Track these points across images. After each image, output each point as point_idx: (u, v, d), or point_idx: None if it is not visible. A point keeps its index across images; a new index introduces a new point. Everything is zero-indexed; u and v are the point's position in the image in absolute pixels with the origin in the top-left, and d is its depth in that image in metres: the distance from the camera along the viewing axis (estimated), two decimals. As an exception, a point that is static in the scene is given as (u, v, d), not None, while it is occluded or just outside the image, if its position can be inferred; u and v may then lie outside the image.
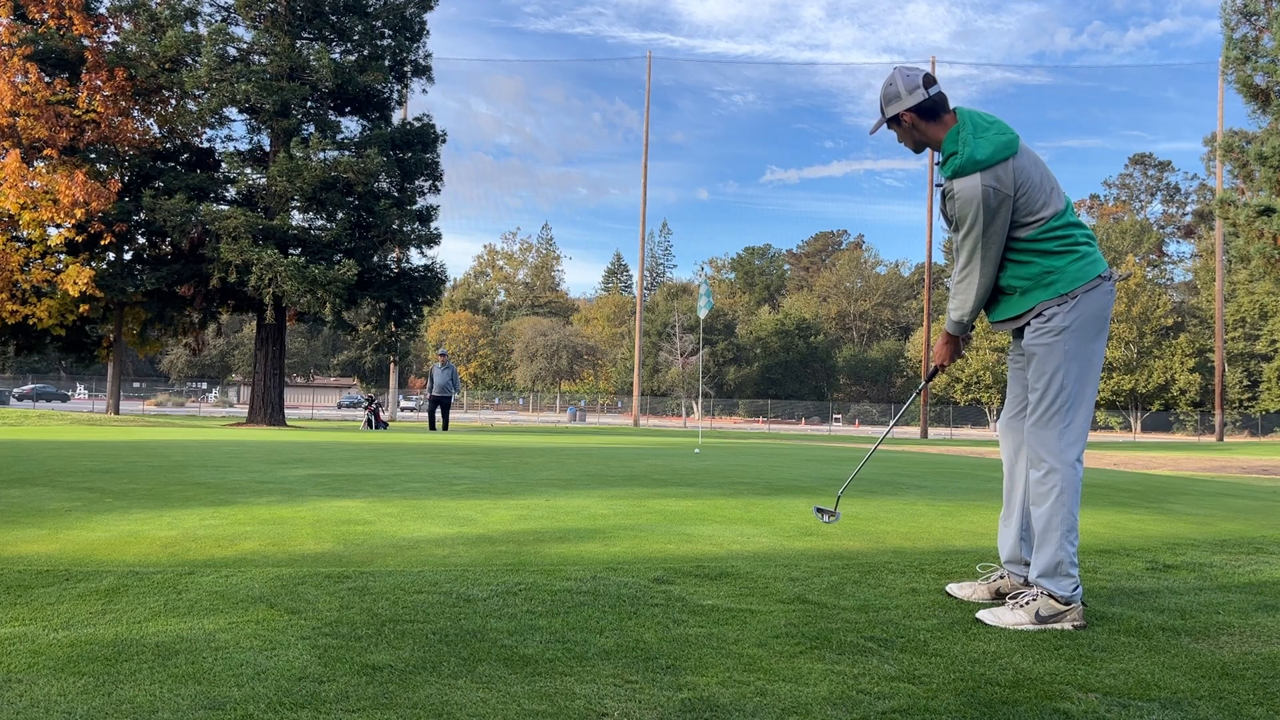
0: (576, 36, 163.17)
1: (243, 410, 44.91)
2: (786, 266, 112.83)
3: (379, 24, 28.55)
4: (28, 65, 25.74)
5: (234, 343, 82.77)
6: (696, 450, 15.01)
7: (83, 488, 5.56)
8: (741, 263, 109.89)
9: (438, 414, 20.67)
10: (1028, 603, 2.92)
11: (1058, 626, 2.84)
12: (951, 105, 3.15)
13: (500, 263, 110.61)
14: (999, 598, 3.17)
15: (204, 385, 77.34)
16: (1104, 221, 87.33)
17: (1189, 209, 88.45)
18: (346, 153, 27.82)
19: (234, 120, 31.27)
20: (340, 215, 27.94)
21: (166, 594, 2.88)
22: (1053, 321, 3.01)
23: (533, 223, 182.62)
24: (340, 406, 77.33)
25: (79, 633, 2.44)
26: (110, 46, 27.74)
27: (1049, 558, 2.95)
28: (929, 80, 3.12)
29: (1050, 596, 2.90)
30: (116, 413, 30.11)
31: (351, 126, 34.92)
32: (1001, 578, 3.22)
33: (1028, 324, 3.08)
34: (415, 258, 42.54)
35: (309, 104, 28.19)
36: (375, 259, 29.30)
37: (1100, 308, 3.02)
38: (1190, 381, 64.95)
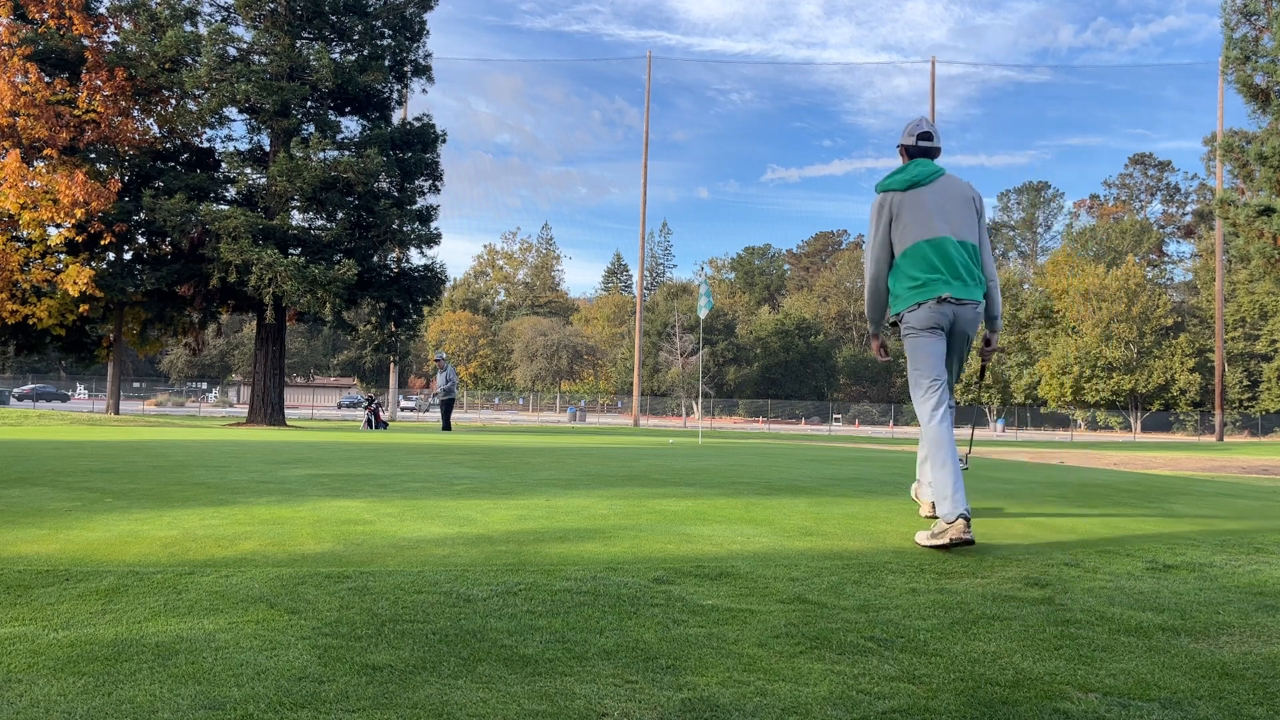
0: (573, 34, 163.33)
1: (243, 410, 44.91)
2: (786, 266, 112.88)
3: (379, 24, 28.55)
4: (28, 65, 25.74)
5: (234, 343, 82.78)
6: (670, 442, 15.03)
7: (83, 488, 5.56)
8: (741, 263, 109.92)
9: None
10: (931, 529, 3.97)
11: (944, 541, 3.82)
12: (938, 157, 4.50)
13: (500, 262, 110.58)
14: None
15: (204, 385, 77.38)
16: (1104, 222, 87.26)
17: (1189, 209, 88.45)
18: (346, 153, 27.82)
19: (234, 120, 31.30)
20: (340, 215, 27.94)
21: (166, 594, 2.88)
22: (900, 326, 4.38)
23: (533, 222, 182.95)
24: (340, 406, 77.38)
25: (79, 633, 2.44)
26: (110, 46, 27.74)
27: (934, 490, 4.00)
28: (924, 136, 4.46)
29: (939, 519, 3.91)
30: (116, 413, 30.11)
31: (351, 126, 34.95)
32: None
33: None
34: (415, 258, 42.56)
35: (309, 104, 28.19)
36: (375, 259, 29.30)
37: (923, 319, 4.25)
38: (1190, 381, 64.91)
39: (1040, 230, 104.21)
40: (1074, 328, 68.74)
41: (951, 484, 3.92)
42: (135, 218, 27.13)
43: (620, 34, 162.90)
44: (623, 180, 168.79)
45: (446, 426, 20.86)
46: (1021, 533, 4.45)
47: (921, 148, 4.44)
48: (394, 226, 27.93)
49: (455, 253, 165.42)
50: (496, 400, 76.48)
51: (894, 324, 4.43)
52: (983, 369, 5.17)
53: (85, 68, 26.67)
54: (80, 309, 26.56)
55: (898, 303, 4.34)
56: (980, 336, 4.69)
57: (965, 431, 5.40)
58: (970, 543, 3.78)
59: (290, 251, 26.93)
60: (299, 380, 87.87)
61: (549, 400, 77.75)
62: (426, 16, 29.64)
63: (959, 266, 4.25)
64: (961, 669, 2.33)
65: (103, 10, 28.21)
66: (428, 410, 59.55)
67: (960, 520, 3.80)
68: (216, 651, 2.29)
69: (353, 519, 4.46)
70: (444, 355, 21.31)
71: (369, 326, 34.00)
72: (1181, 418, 66.06)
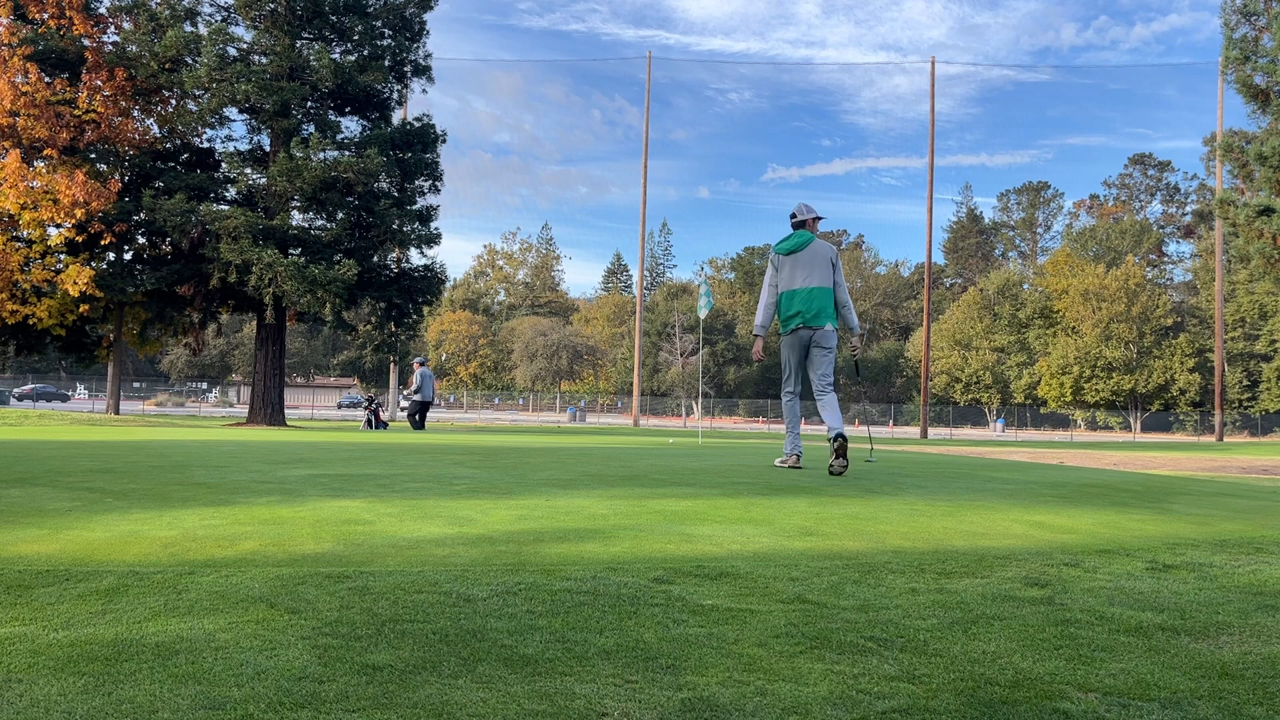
0: (571, 33, 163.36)
1: (243, 410, 44.90)
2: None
3: (379, 24, 28.55)
4: (28, 65, 25.74)
5: (234, 343, 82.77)
6: (670, 442, 15.05)
7: (83, 488, 5.56)
8: (741, 263, 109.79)
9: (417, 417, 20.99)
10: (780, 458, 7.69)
11: (788, 464, 7.49)
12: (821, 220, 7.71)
13: (500, 262, 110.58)
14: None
15: (204, 385, 77.38)
16: (1104, 222, 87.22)
17: (1189, 209, 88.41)
18: (346, 153, 27.82)
19: (234, 120, 31.29)
20: (340, 215, 27.93)
21: (166, 594, 2.88)
22: (780, 341, 7.42)
23: (532, 222, 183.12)
24: (340, 406, 77.37)
25: (79, 633, 2.44)
26: (110, 46, 27.74)
27: (787, 439, 7.60)
28: (792, 216, 7.52)
29: (786, 454, 7.60)
30: (116, 413, 30.11)
31: (351, 126, 34.91)
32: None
33: None
34: (415, 258, 42.55)
35: (309, 104, 28.18)
36: (375, 259, 29.29)
37: (789, 342, 7.38)
38: (1190, 381, 64.91)
39: (1040, 230, 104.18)
40: (1074, 328, 68.73)
41: (794, 434, 7.57)
42: (135, 218, 27.12)
43: (619, 33, 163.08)
44: (623, 180, 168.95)
45: (418, 426, 20.93)
46: (1021, 533, 4.45)
47: (795, 222, 7.47)
48: (394, 226, 27.92)
49: (455, 253, 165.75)
50: (496, 400, 76.47)
51: (778, 334, 7.44)
52: (856, 363, 9.80)
53: (85, 68, 26.66)
54: (80, 309, 26.56)
55: (781, 326, 7.40)
56: (849, 344, 7.63)
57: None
58: (799, 468, 7.37)
59: (290, 251, 26.92)
60: (299, 380, 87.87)
61: (549, 400, 77.75)
62: (426, 16, 29.66)
63: (814, 306, 7.22)
64: (961, 669, 2.33)
65: (103, 10, 28.20)
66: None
67: (794, 456, 7.50)
68: (216, 651, 2.29)
69: (353, 519, 4.46)
70: (424, 359, 21.40)
71: (369, 326, 34.01)
72: (1181, 418, 66.04)
